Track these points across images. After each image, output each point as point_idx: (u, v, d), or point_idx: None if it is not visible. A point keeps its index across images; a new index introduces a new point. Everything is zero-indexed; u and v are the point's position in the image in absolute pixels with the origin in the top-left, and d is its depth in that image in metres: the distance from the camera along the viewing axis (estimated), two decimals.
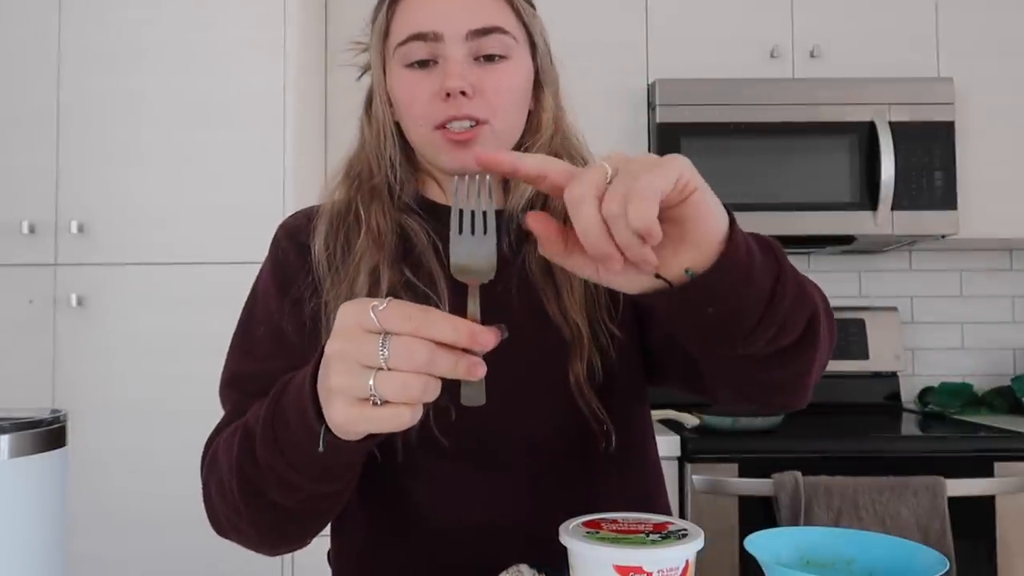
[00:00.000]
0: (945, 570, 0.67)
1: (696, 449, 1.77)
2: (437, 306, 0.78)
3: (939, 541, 1.64)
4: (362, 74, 0.89)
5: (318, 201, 0.89)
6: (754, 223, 0.79)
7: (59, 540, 0.74)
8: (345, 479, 0.68)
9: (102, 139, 1.85)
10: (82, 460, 1.76)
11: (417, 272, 0.81)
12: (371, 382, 0.51)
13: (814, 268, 2.47)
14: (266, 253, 0.89)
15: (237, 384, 0.84)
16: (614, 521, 0.72)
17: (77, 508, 1.78)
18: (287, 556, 1.79)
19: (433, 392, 0.52)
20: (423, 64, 0.79)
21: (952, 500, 1.68)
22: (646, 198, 0.49)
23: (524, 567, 0.74)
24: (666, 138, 2.08)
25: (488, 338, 0.52)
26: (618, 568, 0.63)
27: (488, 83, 0.79)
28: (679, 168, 0.52)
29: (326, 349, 0.55)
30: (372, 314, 0.51)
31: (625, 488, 0.85)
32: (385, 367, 0.51)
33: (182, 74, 1.86)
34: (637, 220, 0.49)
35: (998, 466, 1.76)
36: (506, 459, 0.81)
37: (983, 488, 1.74)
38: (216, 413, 1.91)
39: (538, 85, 0.86)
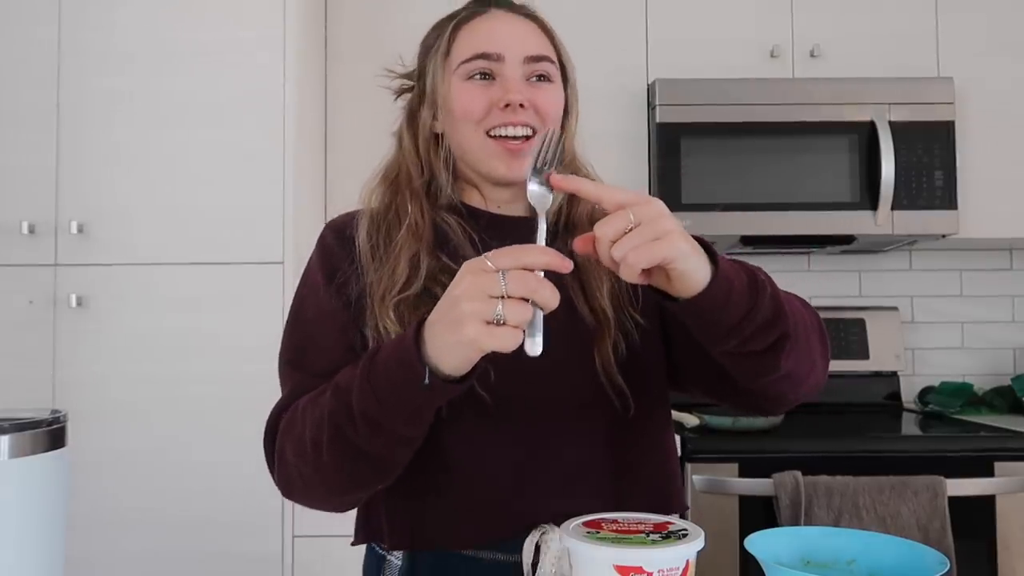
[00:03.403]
0: (945, 570, 0.67)
1: (696, 449, 1.77)
2: None
3: (939, 541, 1.64)
4: (397, 96, 1.02)
5: (358, 205, 0.98)
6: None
7: (59, 540, 0.74)
8: (426, 424, 0.78)
9: (102, 139, 1.85)
10: (82, 460, 1.76)
11: (454, 261, 0.88)
12: (499, 308, 0.67)
13: (814, 268, 2.47)
14: (306, 251, 0.99)
15: (296, 363, 0.92)
16: (614, 521, 0.72)
17: (77, 508, 1.78)
18: (287, 557, 1.79)
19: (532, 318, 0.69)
20: (484, 78, 0.92)
21: (952, 500, 1.68)
22: (634, 265, 0.69)
23: (550, 526, 0.81)
24: (666, 138, 2.08)
25: (569, 262, 0.70)
26: (618, 568, 0.63)
27: (539, 99, 0.92)
28: (670, 249, 0.70)
29: (455, 291, 0.69)
30: (488, 261, 0.68)
31: (645, 454, 0.95)
32: (506, 295, 0.67)
33: (182, 74, 1.86)
34: (623, 273, 0.71)
35: (998, 466, 1.76)
36: (536, 423, 0.89)
37: (983, 488, 1.74)
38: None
39: (566, 112, 0.98)
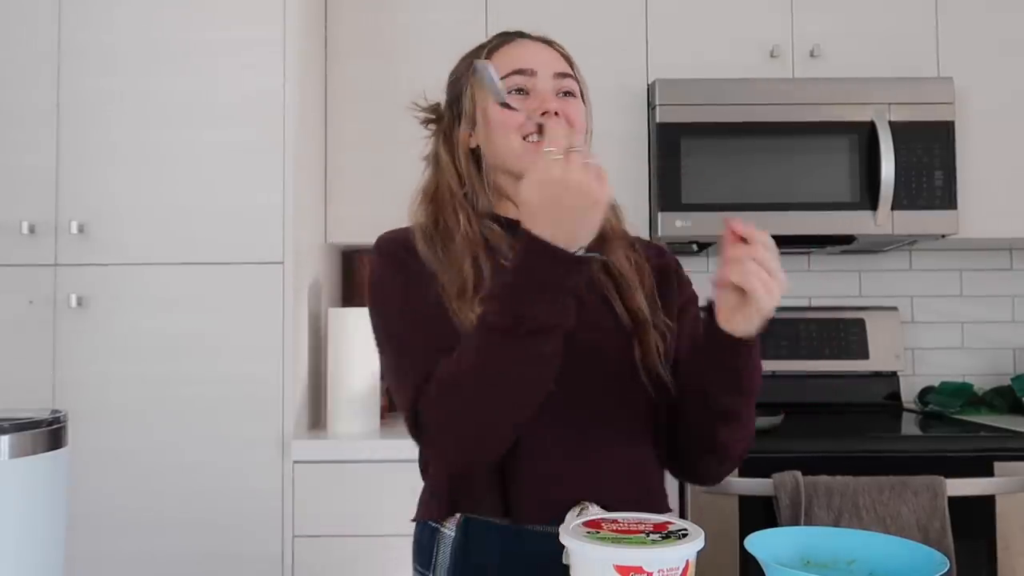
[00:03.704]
0: (945, 570, 0.67)
1: None
2: None
3: (939, 541, 1.64)
4: (428, 123, 1.13)
5: (407, 223, 1.08)
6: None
7: (59, 540, 0.74)
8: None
9: (102, 139, 1.85)
10: (82, 460, 1.76)
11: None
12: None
13: (814, 268, 2.47)
14: (371, 263, 1.07)
15: (412, 365, 0.95)
16: (614, 521, 0.72)
17: (77, 508, 1.78)
18: (287, 557, 1.79)
19: None
20: (519, 92, 1.04)
21: (952, 500, 1.68)
22: (753, 278, 0.84)
23: (591, 505, 0.92)
24: (666, 138, 2.08)
25: None
26: (618, 568, 0.63)
27: (569, 111, 1.04)
28: (775, 290, 0.85)
29: (590, 197, 0.81)
30: (559, 152, 0.82)
31: (676, 439, 1.05)
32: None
33: (182, 74, 1.86)
34: (734, 274, 0.85)
35: (998, 466, 1.76)
36: (586, 412, 1.00)
37: (983, 488, 1.74)
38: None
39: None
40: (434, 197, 1.07)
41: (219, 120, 1.86)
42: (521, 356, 0.85)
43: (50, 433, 0.72)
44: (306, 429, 1.95)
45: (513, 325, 0.83)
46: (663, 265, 1.12)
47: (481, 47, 1.10)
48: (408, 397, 0.93)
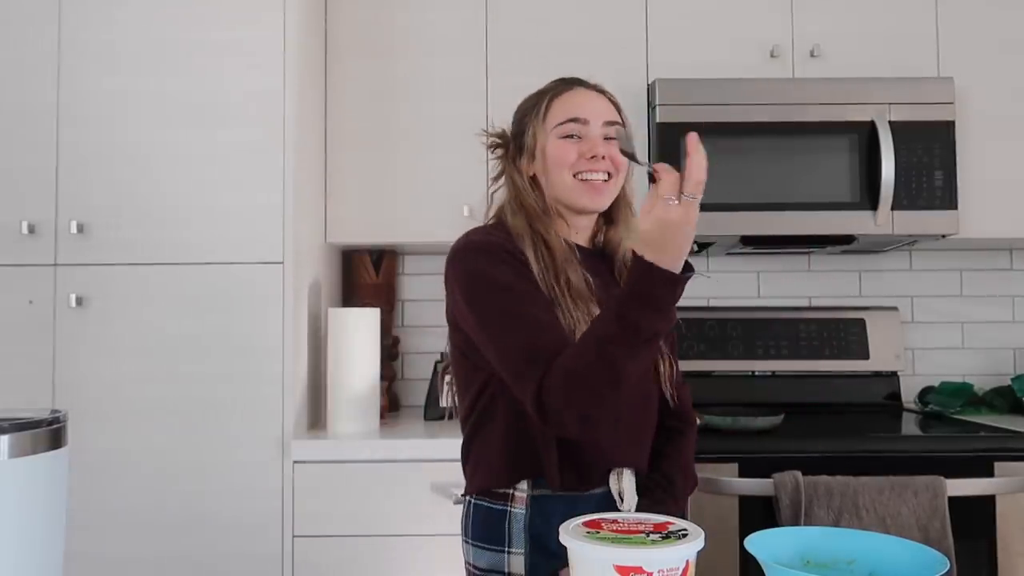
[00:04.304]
0: (945, 570, 0.67)
1: (696, 449, 1.76)
2: (596, 301, 1.19)
3: (939, 541, 1.64)
4: (494, 147, 1.33)
5: (489, 220, 1.29)
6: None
7: (59, 540, 0.74)
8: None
9: (102, 139, 1.86)
10: (82, 460, 1.77)
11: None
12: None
13: (814, 268, 2.47)
14: (473, 259, 1.20)
15: (545, 345, 1.08)
16: (614, 521, 0.72)
17: (77, 508, 1.78)
18: (287, 557, 1.79)
19: None
20: (571, 136, 1.23)
21: (952, 500, 1.68)
22: None
23: (627, 470, 1.21)
24: (666, 138, 2.08)
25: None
26: (618, 568, 0.63)
27: (614, 154, 1.23)
28: None
29: (688, 226, 0.96)
30: (681, 197, 0.98)
31: (684, 435, 1.36)
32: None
33: (182, 74, 1.87)
34: None
35: (998, 466, 1.76)
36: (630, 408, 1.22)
37: (983, 488, 1.74)
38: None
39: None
40: (522, 208, 1.24)
41: (220, 120, 1.86)
42: (637, 358, 1.02)
43: (50, 433, 0.72)
44: (306, 429, 1.95)
45: (634, 337, 0.99)
46: None
47: (544, 92, 1.28)
48: (538, 376, 1.06)
